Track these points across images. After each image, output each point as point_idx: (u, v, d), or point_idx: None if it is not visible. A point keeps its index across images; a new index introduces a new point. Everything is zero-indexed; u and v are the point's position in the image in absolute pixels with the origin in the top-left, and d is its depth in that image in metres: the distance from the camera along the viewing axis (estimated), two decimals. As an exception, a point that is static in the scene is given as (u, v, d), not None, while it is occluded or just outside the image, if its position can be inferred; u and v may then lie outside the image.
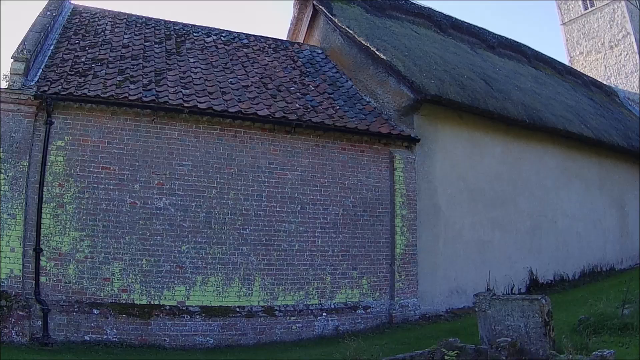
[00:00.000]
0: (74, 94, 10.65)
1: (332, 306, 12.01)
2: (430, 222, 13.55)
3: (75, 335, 10.10)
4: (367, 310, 12.28)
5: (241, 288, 11.32)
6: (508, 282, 14.54)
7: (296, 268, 11.81)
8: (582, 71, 27.51)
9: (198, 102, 11.51)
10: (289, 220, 11.88)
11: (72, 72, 11.49)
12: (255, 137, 11.89)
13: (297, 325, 11.49)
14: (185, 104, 11.27)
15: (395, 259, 12.68)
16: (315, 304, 11.88)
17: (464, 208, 14.28)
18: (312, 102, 13.13)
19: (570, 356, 6.23)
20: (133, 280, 10.66)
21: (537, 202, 16.15)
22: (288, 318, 11.46)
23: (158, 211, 10.97)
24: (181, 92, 11.73)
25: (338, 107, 13.31)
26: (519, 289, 14.85)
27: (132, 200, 10.86)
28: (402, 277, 12.72)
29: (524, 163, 15.98)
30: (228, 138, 11.67)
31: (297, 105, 12.76)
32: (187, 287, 10.95)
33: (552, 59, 24.66)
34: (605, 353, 6.12)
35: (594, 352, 6.27)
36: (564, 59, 30.11)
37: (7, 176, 10.16)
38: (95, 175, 10.73)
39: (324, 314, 11.81)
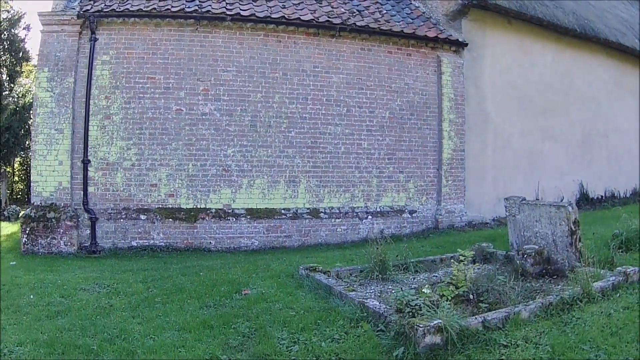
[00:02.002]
0: (117, 10, 10.41)
1: (378, 209, 11.50)
2: (478, 128, 12.72)
3: (123, 241, 10.13)
4: (413, 215, 11.71)
5: (286, 190, 10.93)
6: (557, 194, 13.61)
7: (342, 170, 11.30)
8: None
9: (241, 9, 10.95)
10: (334, 123, 11.29)
11: (116, -10, 11.15)
12: (299, 41, 11.26)
13: (342, 227, 11.08)
14: (228, 12, 10.73)
15: (443, 164, 12.02)
16: (361, 207, 11.38)
17: (514, 116, 13.35)
18: (358, 7, 12.27)
19: (593, 269, 5.86)
20: (179, 185, 10.48)
21: (588, 114, 15.05)
22: (333, 220, 11.05)
23: (203, 116, 10.63)
24: (224, 1, 11.16)
25: (385, 12, 12.43)
26: (568, 202, 13.88)
27: (177, 107, 10.55)
28: (449, 182, 12.07)
29: (575, 73, 14.82)
30: (272, 43, 11.09)
31: (342, 9, 11.96)
32: (233, 190, 10.66)
33: (608, -27, 22.73)
34: (629, 270, 5.73)
35: (617, 268, 5.91)
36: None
37: (54, 94, 10.16)
38: (140, 85, 10.52)
39: (370, 217, 11.32)
